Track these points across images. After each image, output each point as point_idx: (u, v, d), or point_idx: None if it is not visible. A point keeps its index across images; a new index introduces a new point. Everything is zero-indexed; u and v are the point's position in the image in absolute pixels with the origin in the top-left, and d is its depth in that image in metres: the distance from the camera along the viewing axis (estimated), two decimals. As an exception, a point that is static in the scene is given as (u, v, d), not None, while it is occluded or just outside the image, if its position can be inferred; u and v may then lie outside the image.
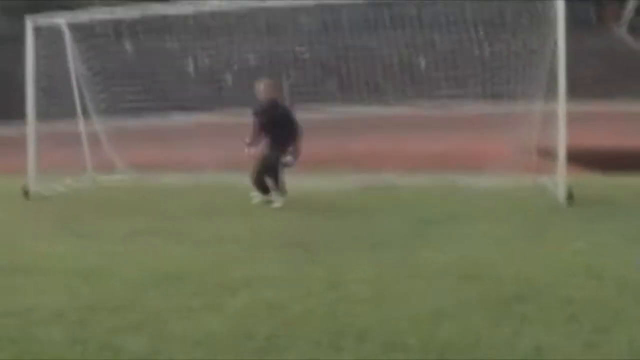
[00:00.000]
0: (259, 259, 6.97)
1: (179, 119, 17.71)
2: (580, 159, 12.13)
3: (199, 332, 4.70)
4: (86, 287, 5.98)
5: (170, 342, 4.55)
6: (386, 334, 4.57)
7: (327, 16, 18.70)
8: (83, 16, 13.25)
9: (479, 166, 12.08)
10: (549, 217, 8.85)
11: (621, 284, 5.59)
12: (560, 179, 10.05)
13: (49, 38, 13.07)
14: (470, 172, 11.97)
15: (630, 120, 20.02)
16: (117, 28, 15.88)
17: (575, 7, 16.89)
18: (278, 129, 10.46)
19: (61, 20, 13.24)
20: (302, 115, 11.16)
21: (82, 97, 13.90)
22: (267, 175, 10.39)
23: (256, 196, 10.52)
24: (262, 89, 10.70)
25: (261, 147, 10.58)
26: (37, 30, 12.65)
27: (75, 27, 13.49)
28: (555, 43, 10.22)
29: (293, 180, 10.77)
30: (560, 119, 10.11)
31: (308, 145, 10.76)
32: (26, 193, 12.07)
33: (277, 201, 10.30)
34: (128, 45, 18.21)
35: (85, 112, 14.05)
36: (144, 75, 15.82)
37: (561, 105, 10.09)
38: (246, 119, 10.94)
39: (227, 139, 11.92)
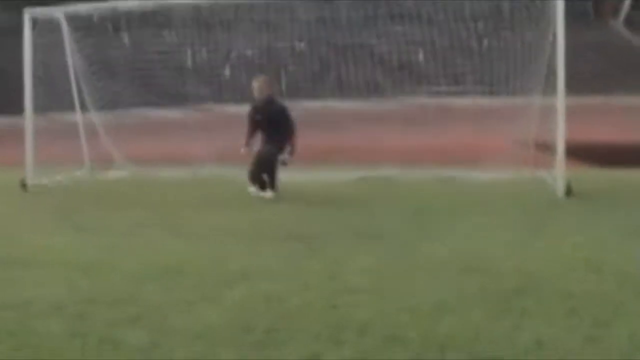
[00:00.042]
0: (258, 251, 6.96)
1: (177, 113, 17.69)
2: (579, 153, 12.13)
3: (199, 326, 4.69)
4: (85, 280, 5.96)
5: (170, 335, 4.53)
6: (386, 327, 4.56)
7: (325, 11, 18.69)
8: (81, 9, 13.22)
9: (478, 160, 12.07)
10: (548, 211, 8.85)
11: (621, 278, 5.59)
12: (559, 173, 10.06)
13: (47, 30, 13.03)
14: (469, 166, 11.97)
15: (628, 115, 20.01)
16: (116, 21, 15.86)
17: (573, 2, 16.87)
18: (274, 126, 10.45)
19: (59, 12, 13.20)
20: (300, 110, 11.15)
21: (80, 90, 13.88)
22: (263, 171, 10.37)
23: (253, 192, 10.50)
24: (257, 86, 10.67)
25: (257, 145, 10.58)
26: (35, 22, 12.62)
27: (73, 20, 13.46)
28: (554, 37, 10.22)
29: (292, 173, 10.77)
30: (559, 113, 10.12)
31: (307, 139, 10.76)
32: (24, 186, 12.06)
33: (268, 193, 10.27)
34: (126, 38, 18.15)
35: (83, 105, 14.03)
36: (142, 68, 15.77)
37: (560, 100, 10.09)
38: (244, 111, 10.93)
39: (225, 133, 11.91)
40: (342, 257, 6.55)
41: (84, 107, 14.05)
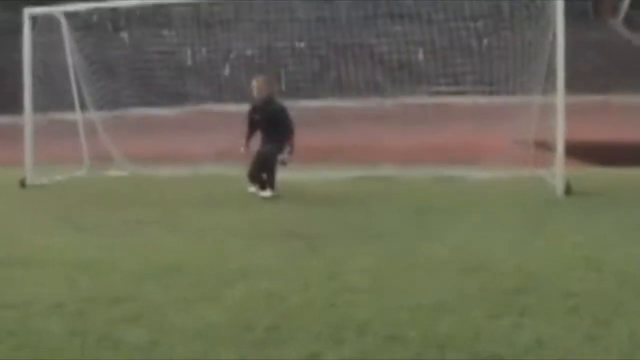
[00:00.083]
0: (258, 250, 6.95)
1: (176, 112, 17.70)
2: (578, 152, 12.14)
3: (198, 324, 4.69)
4: (85, 279, 5.96)
5: (170, 333, 4.53)
6: (386, 326, 4.56)
7: (325, 11, 18.71)
8: (81, 8, 13.21)
9: (478, 159, 12.08)
10: (548, 210, 8.85)
11: (621, 277, 5.59)
12: (558, 171, 10.05)
13: (47, 29, 13.03)
14: (468, 165, 11.97)
15: (628, 114, 20.03)
16: (115, 20, 15.88)
17: (573, 1, 16.89)
18: (273, 126, 10.45)
19: (59, 11, 13.20)
20: (300, 109, 11.16)
21: (79, 89, 13.87)
22: (263, 171, 10.36)
23: (253, 191, 10.49)
24: (256, 86, 10.66)
25: (256, 145, 10.58)
26: (35, 21, 12.62)
27: (73, 19, 13.45)
28: (554, 37, 10.22)
29: (292, 172, 10.76)
30: (558, 112, 10.11)
31: (306, 138, 10.76)
32: (23, 185, 12.05)
33: (267, 192, 10.27)
34: (126, 38, 18.17)
35: (82, 104, 14.03)
36: (142, 67, 15.79)
37: (560, 99, 10.09)
38: (244, 111, 10.94)
39: (225, 131, 11.91)
40: (342, 256, 6.55)
41: (83, 107, 14.05)
